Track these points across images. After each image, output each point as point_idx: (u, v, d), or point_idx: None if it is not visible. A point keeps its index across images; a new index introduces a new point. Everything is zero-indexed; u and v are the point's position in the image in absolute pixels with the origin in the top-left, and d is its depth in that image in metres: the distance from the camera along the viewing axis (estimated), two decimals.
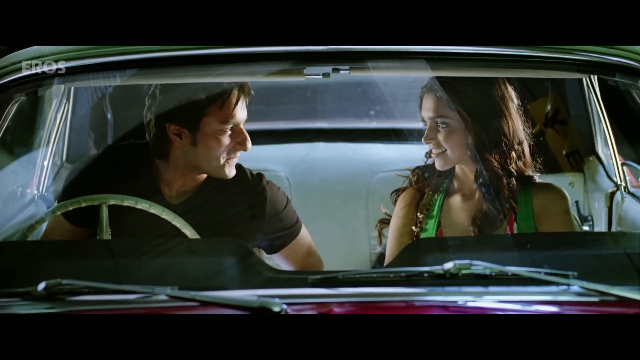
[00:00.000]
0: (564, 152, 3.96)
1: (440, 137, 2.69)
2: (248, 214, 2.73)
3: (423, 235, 2.75)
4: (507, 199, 2.69)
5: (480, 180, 2.70)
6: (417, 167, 2.83)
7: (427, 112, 2.71)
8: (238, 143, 2.67)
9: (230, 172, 2.69)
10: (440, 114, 2.69)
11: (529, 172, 2.72)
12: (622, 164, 3.27)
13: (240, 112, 2.67)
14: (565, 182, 3.75)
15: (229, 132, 2.66)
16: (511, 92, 2.71)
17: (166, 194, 2.71)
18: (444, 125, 2.69)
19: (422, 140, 2.72)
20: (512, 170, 2.69)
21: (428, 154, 2.80)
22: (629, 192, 3.21)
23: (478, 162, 2.69)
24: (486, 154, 2.67)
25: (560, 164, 3.93)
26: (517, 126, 2.69)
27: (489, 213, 2.69)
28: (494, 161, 2.67)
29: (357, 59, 2.38)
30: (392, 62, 2.39)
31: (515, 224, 2.69)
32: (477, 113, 2.66)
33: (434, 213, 2.77)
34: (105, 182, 2.63)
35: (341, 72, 2.52)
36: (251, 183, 2.76)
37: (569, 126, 3.95)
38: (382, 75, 2.67)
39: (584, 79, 3.41)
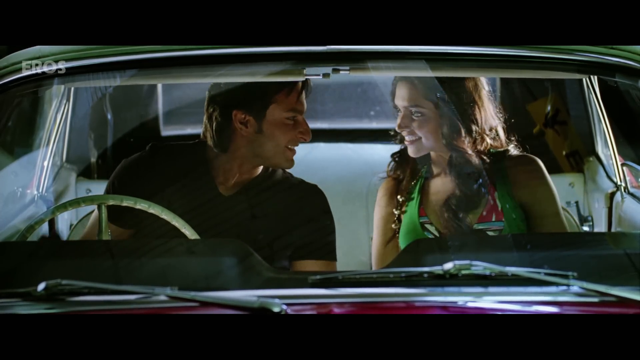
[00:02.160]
0: (564, 153, 3.96)
1: (415, 125, 2.75)
2: (308, 216, 2.77)
3: (405, 217, 2.81)
4: (483, 178, 2.76)
5: (455, 165, 2.76)
6: (392, 154, 2.89)
7: (401, 101, 2.76)
8: (300, 133, 2.73)
9: (291, 163, 2.75)
10: (414, 103, 2.74)
11: (503, 149, 2.81)
12: (622, 165, 3.27)
13: (303, 102, 2.72)
14: (565, 183, 3.75)
15: (292, 122, 2.71)
16: (482, 80, 2.77)
17: (221, 185, 2.75)
18: (419, 114, 2.74)
19: (396, 127, 2.78)
20: (486, 151, 2.76)
21: (399, 140, 2.84)
22: (629, 193, 3.21)
23: (452, 149, 2.74)
24: (459, 141, 2.74)
25: (560, 164, 3.93)
26: (489, 113, 2.77)
27: (468, 193, 2.76)
28: (468, 147, 2.74)
29: (357, 59, 2.38)
30: (392, 62, 2.39)
31: (498, 202, 2.76)
32: (451, 102, 2.71)
33: (415, 195, 2.83)
34: (157, 179, 2.70)
35: (341, 72, 2.52)
36: (311, 188, 2.82)
37: (569, 126, 3.95)
38: (382, 75, 2.67)
39: (583, 80, 3.41)
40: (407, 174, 2.87)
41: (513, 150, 2.83)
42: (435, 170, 2.84)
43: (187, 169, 2.76)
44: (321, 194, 2.82)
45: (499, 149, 2.80)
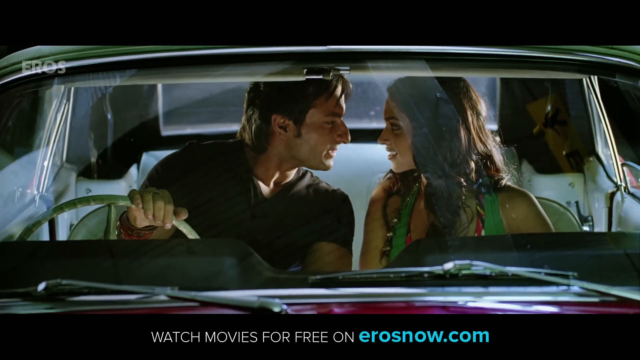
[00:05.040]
0: (564, 153, 3.96)
1: (392, 139, 2.68)
2: (333, 218, 2.78)
3: (394, 239, 2.73)
4: (464, 206, 2.64)
5: (434, 189, 2.64)
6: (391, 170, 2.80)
7: (385, 112, 2.70)
8: (339, 135, 2.72)
9: (330, 164, 2.75)
10: (391, 115, 2.67)
11: (495, 178, 2.67)
12: (622, 165, 3.27)
13: (342, 105, 2.72)
14: (565, 183, 3.76)
15: (331, 126, 2.71)
16: (476, 103, 2.65)
17: (261, 183, 2.75)
18: (396, 127, 2.66)
19: (378, 140, 2.72)
20: (472, 178, 2.63)
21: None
22: (629, 193, 3.21)
23: (422, 169, 2.65)
24: (434, 162, 2.60)
25: (560, 164, 3.93)
26: (476, 136, 2.62)
27: (448, 224, 2.64)
28: (445, 170, 2.60)
29: (357, 59, 2.38)
30: (392, 62, 2.39)
31: (483, 232, 2.65)
32: (425, 120, 2.60)
33: (405, 216, 2.74)
34: (196, 176, 2.71)
35: (341, 72, 2.52)
36: (337, 194, 2.83)
37: (569, 126, 3.95)
38: (382, 75, 2.67)
39: (584, 80, 3.41)
40: (399, 187, 2.77)
41: (506, 181, 2.68)
42: (423, 191, 2.72)
43: (227, 167, 2.76)
44: (348, 199, 2.83)
45: (492, 178, 2.65)
